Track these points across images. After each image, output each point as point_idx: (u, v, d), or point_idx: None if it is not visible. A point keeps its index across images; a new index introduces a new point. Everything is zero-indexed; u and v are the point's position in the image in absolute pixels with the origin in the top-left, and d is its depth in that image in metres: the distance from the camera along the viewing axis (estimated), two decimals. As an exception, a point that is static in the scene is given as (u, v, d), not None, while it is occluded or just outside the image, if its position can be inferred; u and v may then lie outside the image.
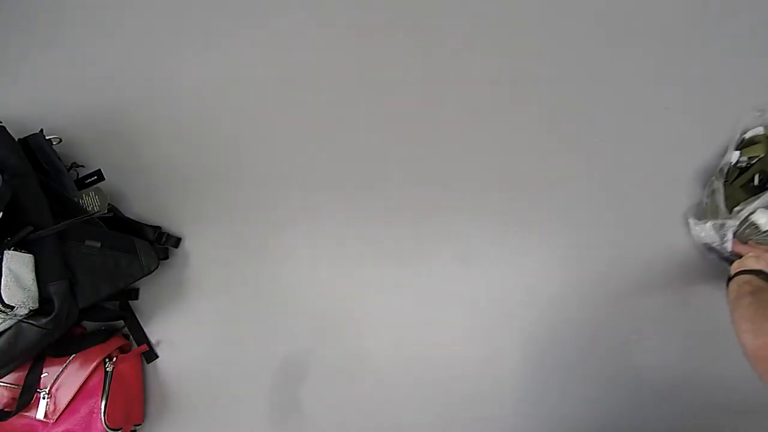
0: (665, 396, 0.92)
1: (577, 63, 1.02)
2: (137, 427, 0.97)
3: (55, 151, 0.93)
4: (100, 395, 0.87)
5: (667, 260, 0.95)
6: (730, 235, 0.84)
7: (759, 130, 0.91)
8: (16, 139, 0.84)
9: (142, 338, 0.97)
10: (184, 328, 1.00)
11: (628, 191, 0.98)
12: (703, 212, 0.92)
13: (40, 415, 0.85)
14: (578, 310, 0.96)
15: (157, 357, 0.98)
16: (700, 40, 1.01)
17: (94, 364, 0.87)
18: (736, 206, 0.84)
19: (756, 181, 0.87)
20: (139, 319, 0.98)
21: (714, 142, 0.98)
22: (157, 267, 0.91)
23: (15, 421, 0.85)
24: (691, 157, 0.98)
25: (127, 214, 1.00)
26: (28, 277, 0.74)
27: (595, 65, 1.02)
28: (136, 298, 0.99)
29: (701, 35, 1.01)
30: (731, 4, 1.01)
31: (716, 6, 1.01)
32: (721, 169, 0.89)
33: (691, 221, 0.92)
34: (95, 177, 0.99)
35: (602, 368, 0.95)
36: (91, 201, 0.93)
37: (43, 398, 0.85)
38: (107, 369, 0.89)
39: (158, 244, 0.97)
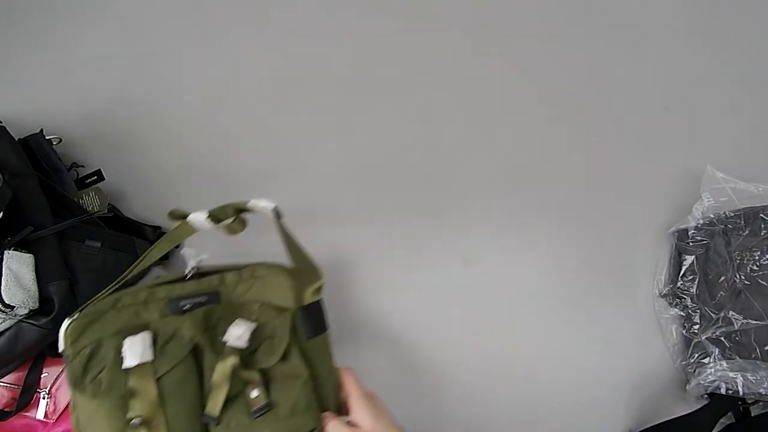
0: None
1: (577, 63, 1.02)
2: (137, 427, 0.96)
3: (55, 150, 0.93)
4: (100, 395, 0.86)
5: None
6: None
7: None
8: (16, 139, 0.84)
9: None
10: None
11: (629, 191, 0.99)
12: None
13: (40, 415, 0.85)
14: (578, 308, 0.97)
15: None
16: (701, 39, 1.01)
17: (95, 364, 0.87)
18: None
19: None
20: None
21: (713, 143, 0.98)
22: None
23: (15, 421, 0.84)
24: (691, 157, 0.98)
25: (127, 214, 0.99)
26: (29, 277, 0.74)
27: (595, 65, 1.02)
28: (136, 298, 0.99)
29: (701, 34, 1.01)
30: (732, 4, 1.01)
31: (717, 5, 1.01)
32: None
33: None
34: (95, 177, 0.98)
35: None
36: (91, 201, 0.93)
37: (43, 398, 0.85)
38: (107, 369, 0.88)
39: (158, 244, 0.97)
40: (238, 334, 0.56)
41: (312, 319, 0.61)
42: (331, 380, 0.61)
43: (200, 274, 0.65)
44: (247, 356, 0.57)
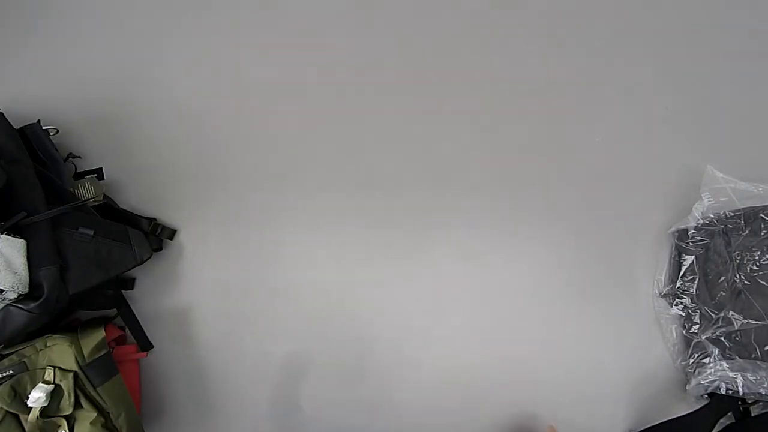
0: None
1: (578, 63, 1.02)
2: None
3: (51, 141, 0.93)
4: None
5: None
6: None
7: None
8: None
9: (137, 328, 0.96)
10: (179, 322, 0.99)
11: (629, 191, 0.98)
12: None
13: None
14: (579, 308, 0.96)
15: (153, 347, 0.97)
16: (701, 39, 1.01)
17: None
18: None
19: None
20: (134, 311, 0.98)
21: (713, 143, 0.98)
22: (149, 257, 0.90)
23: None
24: (691, 157, 0.98)
25: (123, 206, 0.99)
26: (20, 261, 0.73)
27: (595, 65, 1.02)
28: (131, 288, 0.98)
29: (701, 35, 1.01)
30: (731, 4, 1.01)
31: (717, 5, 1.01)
32: None
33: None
34: (95, 175, 0.98)
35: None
36: (86, 191, 0.93)
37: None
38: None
39: (153, 236, 0.97)
40: (35, 397, 0.76)
41: (96, 372, 0.81)
42: (121, 414, 0.82)
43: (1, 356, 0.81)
44: (56, 406, 0.79)
